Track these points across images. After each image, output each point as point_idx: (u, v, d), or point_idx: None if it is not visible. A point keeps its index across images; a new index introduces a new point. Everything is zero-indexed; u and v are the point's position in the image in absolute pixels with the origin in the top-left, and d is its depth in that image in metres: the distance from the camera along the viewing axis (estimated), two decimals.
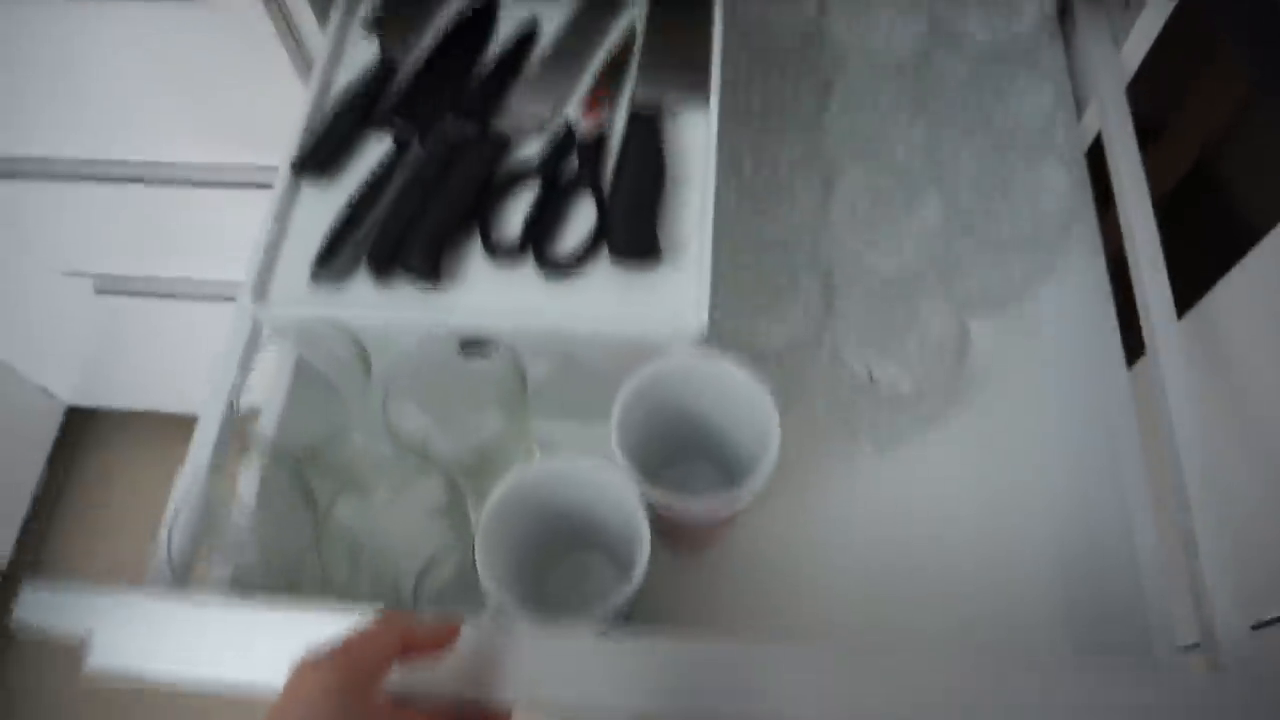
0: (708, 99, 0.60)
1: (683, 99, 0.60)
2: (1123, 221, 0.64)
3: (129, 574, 0.51)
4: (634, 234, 0.53)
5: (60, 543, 1.45)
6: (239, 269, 0.56)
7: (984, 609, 0.58)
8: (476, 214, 0.56)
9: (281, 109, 0.69)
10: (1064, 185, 0.64)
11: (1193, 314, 0.72)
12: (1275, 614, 0.71)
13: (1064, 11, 0.76)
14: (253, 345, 0.56)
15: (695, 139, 0.59)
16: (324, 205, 0.57)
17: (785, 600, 0.59)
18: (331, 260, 0.54)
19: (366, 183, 0.57)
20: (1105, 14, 0.72)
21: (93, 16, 0.73)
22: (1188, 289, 0.71)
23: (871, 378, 0.64)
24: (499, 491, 0.50)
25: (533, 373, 0.61)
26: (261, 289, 0.55)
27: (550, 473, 0.51)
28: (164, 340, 1.18)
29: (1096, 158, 0.69)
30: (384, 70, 0.62)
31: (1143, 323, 0.60)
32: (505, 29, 0.65)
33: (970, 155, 0.66)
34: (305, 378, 0.58)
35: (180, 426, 0.55)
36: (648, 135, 0.58)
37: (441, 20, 0.66)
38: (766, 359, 0.61)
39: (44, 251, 1.04)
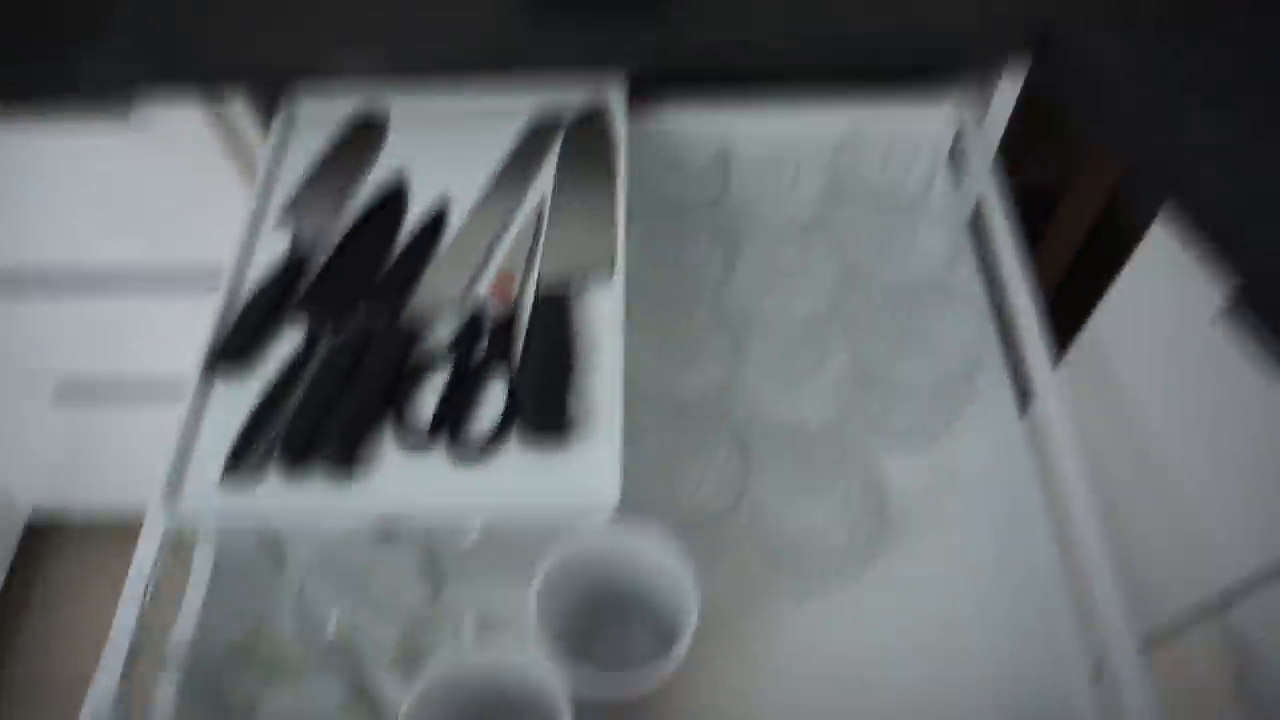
0: (613, 272, 0.62)
1: (591, 271, 0.62)
2: (1002, 280, 0.67)
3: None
4: (543, 413, 0.54)
5: (24, 653, 1.42)
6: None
7: None
8: (390, 401, 0.57)
9: (229, 212, 0.71)
10: (970, 330, 0.66)
11: (1075, 346, 0.75)
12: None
13: (954, 153, 0.80)
14: (165, 548, 0.55)
15: (604, 310, 0.61)
16: (238, 399, 0.57)
17: None
18: (245, 456, 0.54)
19: (279, 375, 0.57)
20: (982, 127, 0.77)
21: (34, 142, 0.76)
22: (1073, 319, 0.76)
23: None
24: (414, 692, 0.49)
25: (457, 545, 0.61)
26: (173, 490, 0.55)
27: (468, 668, 0.51)
28: (124, 444, 1.19)
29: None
30: (296, 259, 0.64)
31: (1028, 374, 0.63)
32: (417, 206, 0.68)
33: (878, 305, 0.68)
34: (222, 578, 0.57)
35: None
36: (556, 314, 0.60)
37: (353, 205, 0.68)
38: (686, 523, 0.62)
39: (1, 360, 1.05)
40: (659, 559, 0.53)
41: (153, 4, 0.73)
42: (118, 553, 1.43)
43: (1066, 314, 0.78)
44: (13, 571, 1.46)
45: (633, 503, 0.57)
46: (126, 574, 0.54)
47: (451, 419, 0.56)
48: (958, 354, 0.67)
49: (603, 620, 0.62)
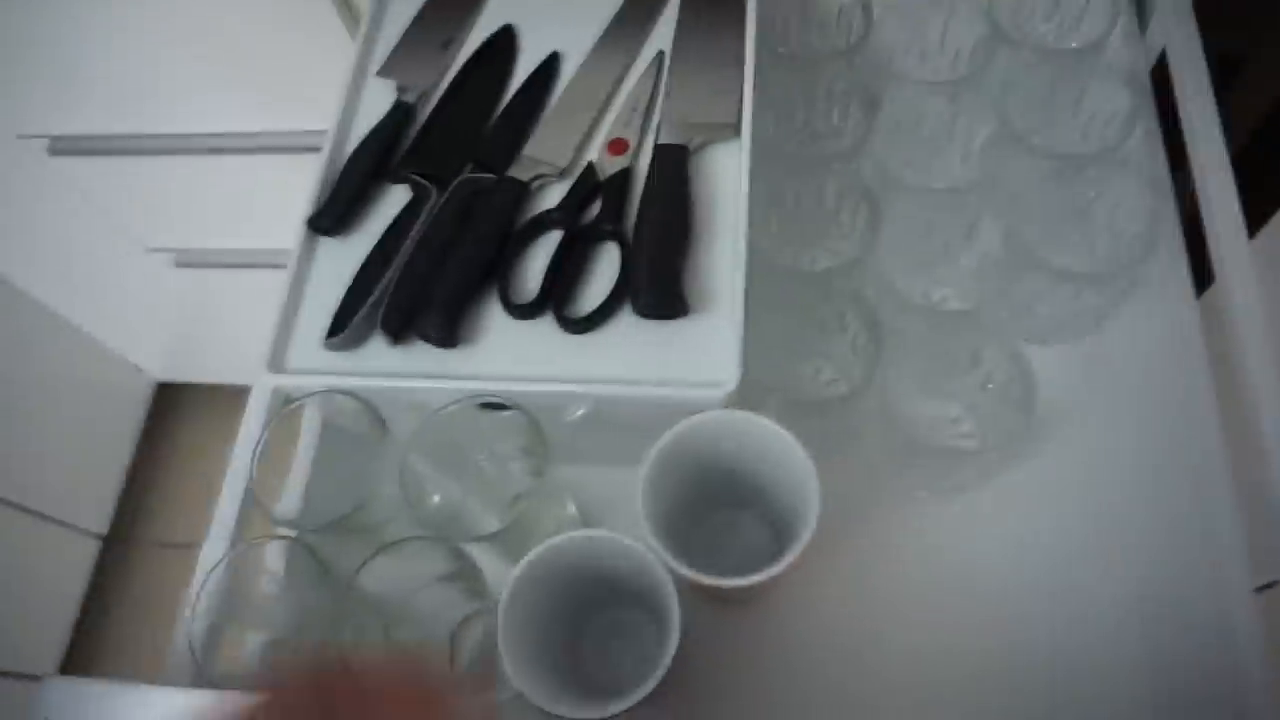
0: (739, 130, 0.56)
1: (714, 131, 0.56)
2: (1187, 135, 0.60)
3: None
4: (659, 288, 0.50)
5: (156, 510, 1.51)
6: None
7: (1058, 672, 0.53)
8: (495, 270, 0.53)
9: (333, 69, 0.67)
10: (1144, 207, 0.58)
11: (1268, 230, 0.67)
12: None
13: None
14: (272, 416, 0.54)
15: (728, 174, 0.55)
16: (341, 263, 0.55)
17: (836, 658, 0.55)
18: (346, 324, 0.52)
19: (381, 241, 0.55)
20: None
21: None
22: (1262, 209, 0.66)
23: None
24: (518, 569, 0.47)
25: (562, 423, 0.58)
26: (278, 359, 0.53)
27: (574, 544, 0.48)
28: (242, 311, 1.20)
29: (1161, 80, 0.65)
30: (400, 117, 0.60)
31: (1210, 245, 0.56)
32: (525, 65, 0.62)
33: (1038, 176, 0.60)
34: (329, 445, 0.56)
35: None
36: (674, 171, 0.54)
37: (459, 59, 0.63)
38: (809, 408, 0.57)
39: (125, 229, 1.07)
40: (780, 450, 0.49)
41: None
42: (241, 414, 1.51)
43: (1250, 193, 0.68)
44: (144, 434, 1.54)
45: (753, 383, 0.53)
46: None
47: (561, 287, 0.52)
48: (1127, 233, 0.59)
49: (715, 505, 0.59)
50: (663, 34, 0.62)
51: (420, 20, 0.65)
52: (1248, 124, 0.96)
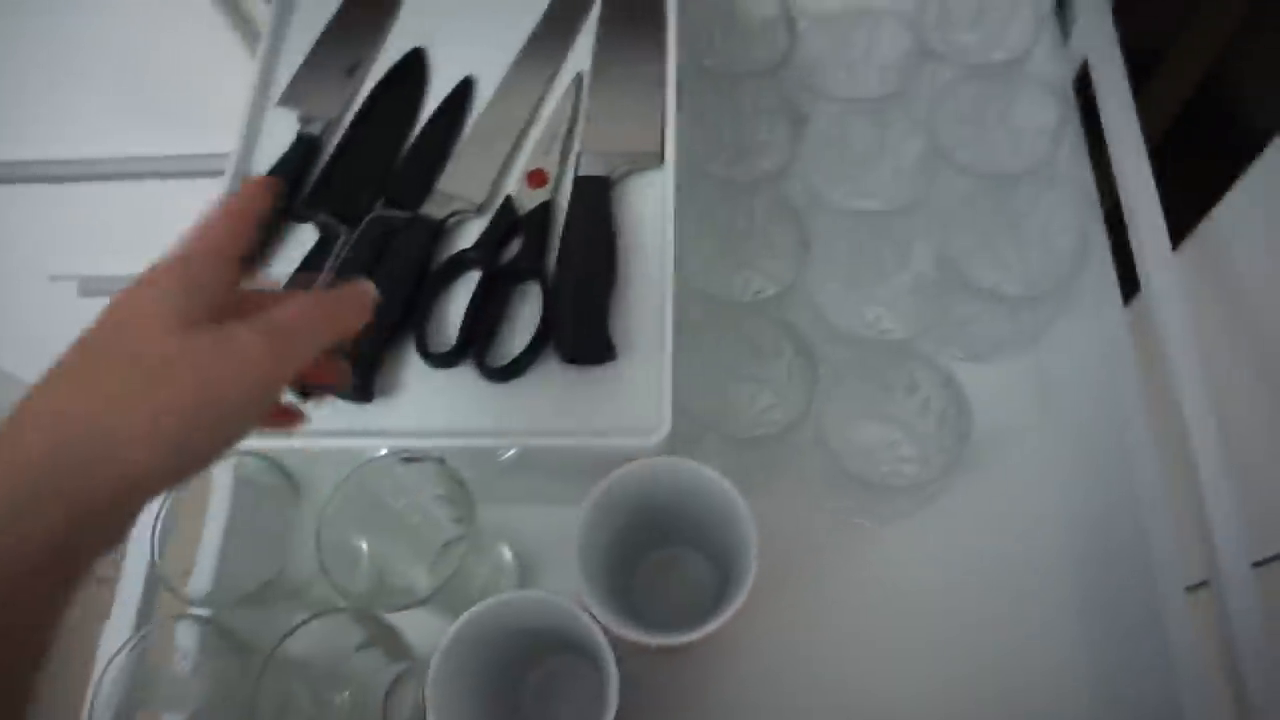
0: (662, 154, 0.54)
1: (637, 160, 0.54)
2: (1111, 147, 0.59)
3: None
4: (585, 333, 0.48)
5: None
6: None
7: (1005, 690, 0.53)
8: (410, 315, 0.50)
9: (235, 89, 0.63)
10: (1075, 220, 0.57)
11: (1192, 239, 0.68)
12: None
13: (1061, 2, 0.68)
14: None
15: (652, 205, 0.53)
16: None
17: (784, 692, 0.54)
18: None
19: (289, 285, 0.51)
20: None
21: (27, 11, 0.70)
22: (1187, 214, 0.68)
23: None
24: (444, 641, 0.45)
25: (493, 464, 0.56)
26: None
27: (506, 606, 0.46)
28: None
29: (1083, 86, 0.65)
30: (304, 150, 0.56)
31: (1136, 257, 0.56)
32: (437, 91, 0.59)
33: (969, 192, 0.59)
34: (243, 506, 0.53)
35: None
36: (596, 204, 0.52)
37: (365, 85, 0.59)
38: (746, 443, 0.56)
39: (24, 257, 1.02)
40: (716, 495, 0.47)
41: None
42: None
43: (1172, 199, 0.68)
44: None
45: (685, 414, 0.51)
46: None
47: (481, 332, 0.50)
48: (1058, 246, 0.59)
49: (657, 543, 0.58)
50: (581, 54, 0.60)
51: (323, 43, 0.61)
52: (1166, 127, 0.97)
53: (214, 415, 0.32)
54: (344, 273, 0.51)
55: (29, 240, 1.00)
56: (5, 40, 0.73)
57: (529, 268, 0.50)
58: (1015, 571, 0.56)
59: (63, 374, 0.32)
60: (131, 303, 0.34)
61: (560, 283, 0.49)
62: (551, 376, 0.49)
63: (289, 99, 0.59)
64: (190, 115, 0.79)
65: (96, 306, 1.05)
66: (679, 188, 0.56)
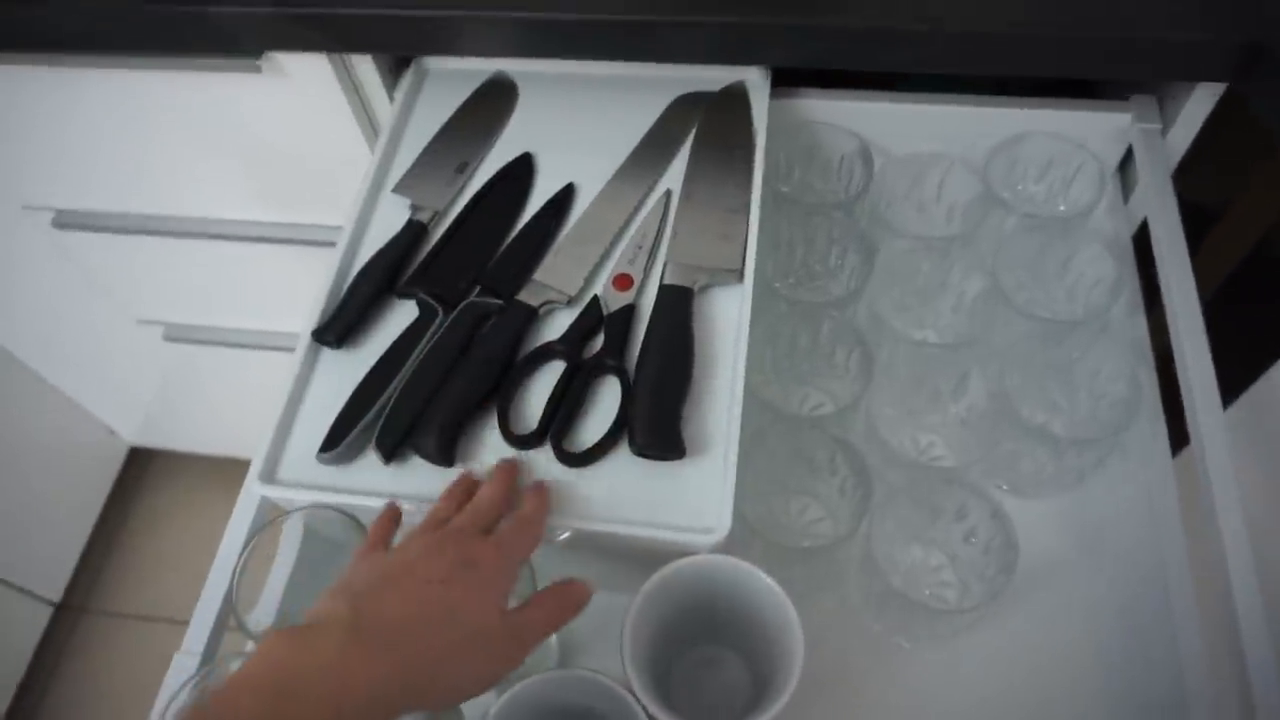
0: (742, 273, 0.58)
1: (717, 275, 0.58)
2: (1167, 305, 0.61)
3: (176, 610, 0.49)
4: (658, 429, 0.51)
5: (114, 578, 1.49)
6: (298, 320, 0.58)
7: None
8: (496, 392, 0.54)
9: (349, 173, 0.70)
10: (1126, 371, 0.60)
11: (1245, 398, 0.69)
12: None
13: (1125, 162, 0.73)
14: (258, 524, 0.54)
15: (728, 318, 0.57)
16: (342, 377, 0.56)
17: None
18: (342, 439, 0.52)
19: (384, 357, 0.55)
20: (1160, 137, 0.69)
21: (166, 82, 0.76)
22: (1240, 373, 0.69)
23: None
24: (497, 705, 0.46)
25: (548, 545, 0.58)
26: (270, 469, 0.53)
27: (552, 683, 0.48)
28: (225, 386, 1.22)
29: (1142, 245, 0.67)
30: (412, 235, 0.61)
31: (1186, 412, 0.57)
32: (540, 193, 0.64)
33: (1025, 335, 0.62)
34: (310, 552, 0.56)
35: (237, 468, 0.56)
36: (677, 312, 0.56)
37: (475, 183, 0.65)
38: (794, 554, 0.58)
39: (118, 300, 1.09)
40: (765, 599, 0.49)
41: None
42: (213, 485, 1.49)
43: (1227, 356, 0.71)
44: (111, 498, 1.52)
45: (739, 523, 0.53)
46: (214, 506, 0.53)
47: (560, 418, 0.53)
48: (1108, 394, 0.61)
49: (697, 640, 0.59)
50: (676, 173, 0.65)
51: (438, 140, 0.67)
52: (1223, 286, 1.00)
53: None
54: (439, 351, 0.55)
55: (122, 285, 1.06)
56: (155, 112, 0.79)
57: (611, 364, 0.54)
58: (1047, 709, 0.56)
59: None
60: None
61: (639, 379, 0.53)
62: (622, 468, 0.52)
63: (402, 187, 0.64)
64: (308, 196, 0.85)
65: (180, 350, 1.11)
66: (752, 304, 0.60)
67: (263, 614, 0.57)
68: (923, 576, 0.61)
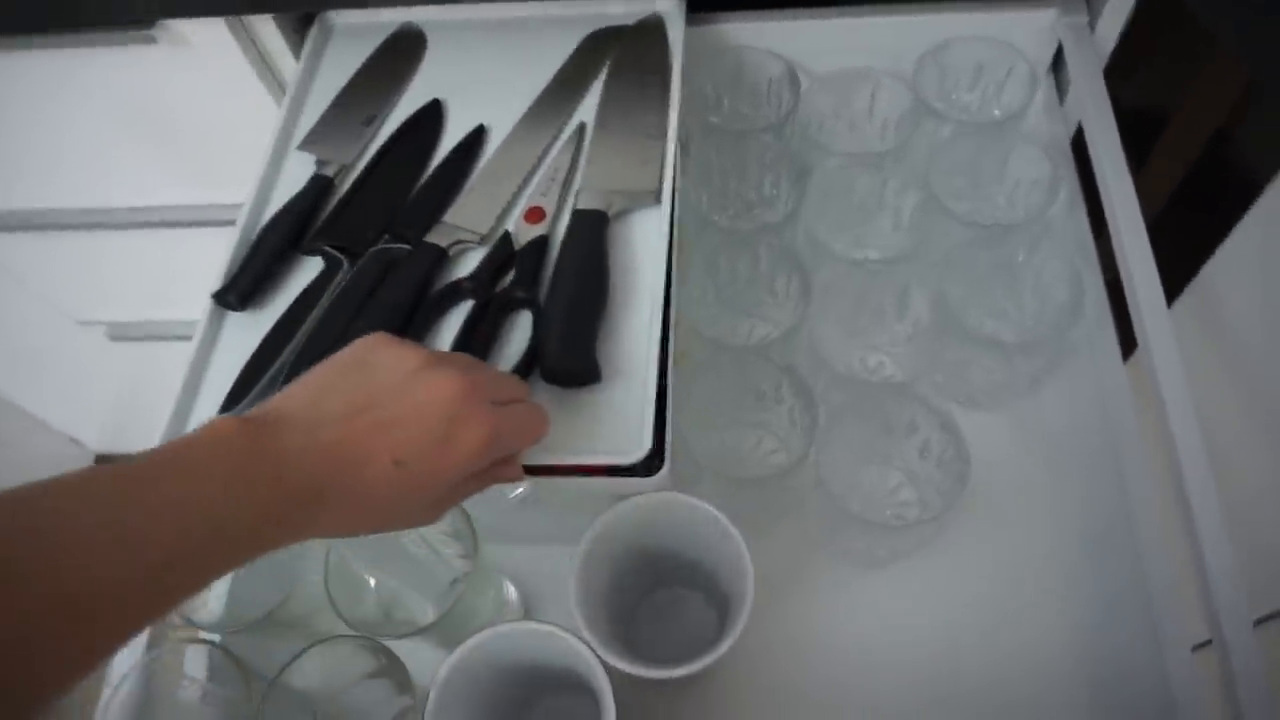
0: (659, 194, 0.55)
1: (634, 198, 0.55)
2: (1106, 209, 0.59)
3: None
4: (568, 352, 0.48)
5: None
6: None
7: None
8: (404, 334, 0.51)
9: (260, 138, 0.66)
10: (1069, 272, 0.57)
11: (1187, 293, 0.69)
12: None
13: (1057, 62, 0.70)
14: None
15: (649, 242, 0.54)
16: (250, 339, 0.53)
17: None
18: (243, 397, 0.50)
19: (287, 313, 0.52)
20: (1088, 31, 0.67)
21: (62, 64, 0.73)
22: (1187, 263, 0.68)
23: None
24: (449, 662, 0.44)
25: (502, 504, 0.56)
26: (176, 433, 0.51)
27: (506, 637, 0.46)
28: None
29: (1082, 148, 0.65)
30: (317, 189, 0.58)
31: (1132, 314, 0.55)
32: (450, 139, 0.61)
33: (966, 243, 0.60)
34: None
35: None
36: (591, 236, 0.53)
37: (382, 135, 0.62)
38: (746, 483, 0.55)
39: (54, 304, 1.05)
40: (713, 531, 0.47)
41: None
42: None
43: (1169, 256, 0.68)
44: None
45: (688, 456, 0.51)
46: None
47: (472, 355, 0.50)
48: (1054, 298, 0.59)
49: (659, 582, 0.57)
50: (589, 108, 0.62)
51: (345, 95, 0.64)
52: (1164, 187, 0.97)
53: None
54: (343, 300, 0.52)
55: (56, 287, 1.03)
56: (55, 96, 0.76)
57: (520, 296, 0.51)
58: (1011, 619, 0.55)
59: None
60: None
61: (549, 306, 0.50)
62: (542, 400, 0.49)
63: (307, 144, 0.62)
64: (228, 173, 0.82)
65: (127, 349, 1.08)
66: (688, 236, 0.58)
67: (213, 599, 0.54)
68: (882, 499, 0.59)
